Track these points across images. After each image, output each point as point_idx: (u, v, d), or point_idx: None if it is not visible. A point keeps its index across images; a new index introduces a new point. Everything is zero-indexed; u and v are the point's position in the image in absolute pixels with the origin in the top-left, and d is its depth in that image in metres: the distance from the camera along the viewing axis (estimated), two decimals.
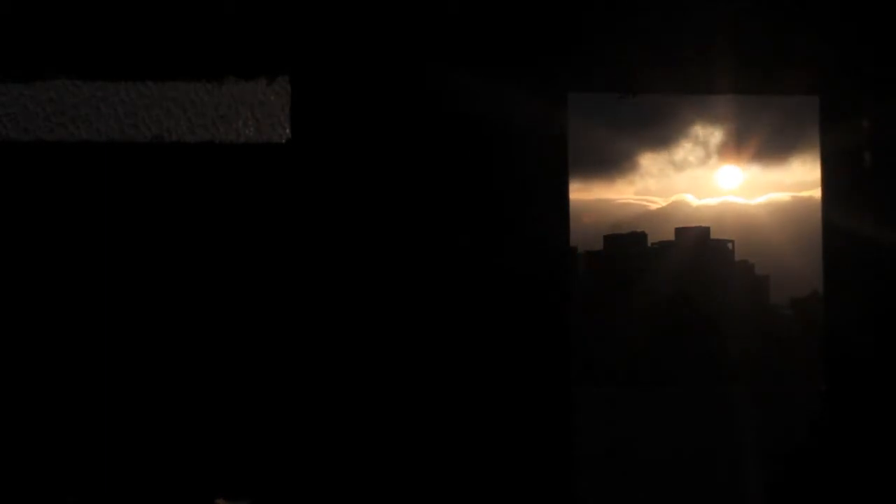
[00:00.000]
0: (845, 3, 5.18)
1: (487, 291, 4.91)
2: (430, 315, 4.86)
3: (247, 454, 4.80)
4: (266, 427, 4.81)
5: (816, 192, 5.50)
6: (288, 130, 4.90)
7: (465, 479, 4.83)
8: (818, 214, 5.36)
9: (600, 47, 5.06)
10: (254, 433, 4.81)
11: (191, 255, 4.83)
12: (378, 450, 4.81)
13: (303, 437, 4.79)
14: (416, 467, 4.81)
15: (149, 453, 4.75)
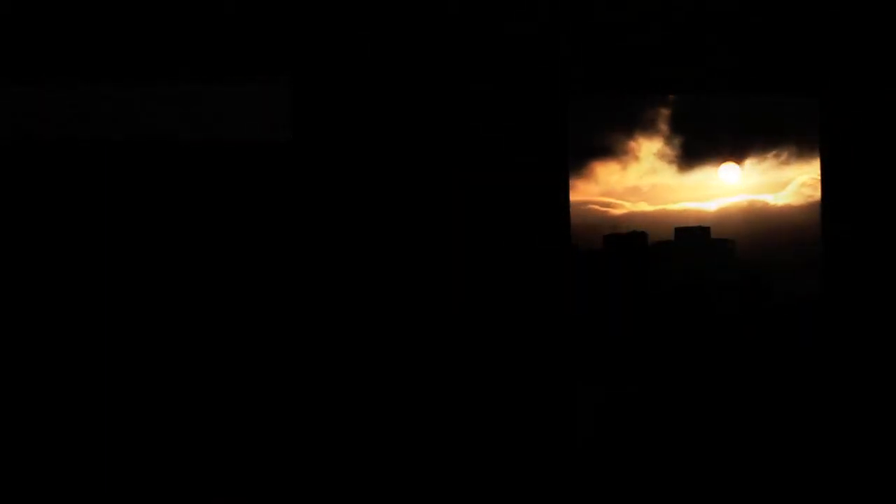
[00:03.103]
0: (846, 3, 5.18)
1: (488, 290, 4.91)
2: (431, 314, 4.86)
3: (247, 454, 4.79)
4: (266, 427, 4.81)
5: (816, 193, 5.50)
6: (289, 130, 4.90)
7: (468, 478, 4.82)
8: (818, 214, 5.36)
9: (600, 48, 5.06)
10: (254, 433, 4.80)
11: (191, 254, 4.83)
12: (379, 450, 4.80)
13: (302, 436, 4.78)
14: (418, 468, 4.81)
15: (149, 453, 4.75)
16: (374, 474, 4.75)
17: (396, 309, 4.84)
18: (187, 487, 4.74)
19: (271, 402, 4.78)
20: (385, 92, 4.89)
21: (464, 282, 4.90)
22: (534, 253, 4.94)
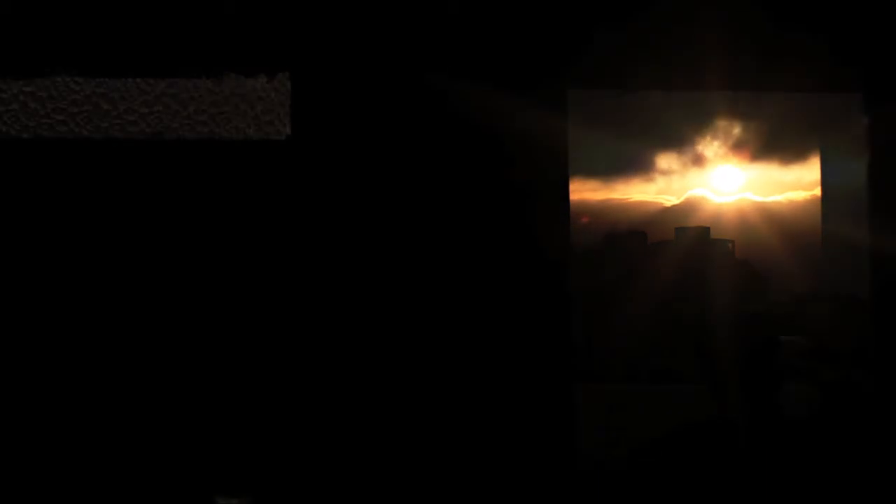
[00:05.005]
0: (850, 1, 5.17)
1: (488, 292, 4.90)
2: (430, 315, 4.85)
3: (246, 452, 4.79)
4: (265, 426, 4.80)
5: (816, 192, 5.50)
6: (288, 128, 4.90)
7: (465, 478, 4.82)
8: (818, 214, 5.36)
9: (601, 44, 5.05)
10: (253, 432, 4.80)
11: (190, 252, 4.83)
12: (377, 449, 4.80)
13: (302, 435, 4.78)
14: (415, 467, 4.80)
15: (148, 452, 4.75)
16: (371, 476, 4.75)
17: (394, 309, 4.84)
18: (188, 487, 4.74)
19: (269, 402, 4.78)
20: (384, 90, 4.89)
21: (462, 281, 4.90)
22: (533, 253, 4.93)
